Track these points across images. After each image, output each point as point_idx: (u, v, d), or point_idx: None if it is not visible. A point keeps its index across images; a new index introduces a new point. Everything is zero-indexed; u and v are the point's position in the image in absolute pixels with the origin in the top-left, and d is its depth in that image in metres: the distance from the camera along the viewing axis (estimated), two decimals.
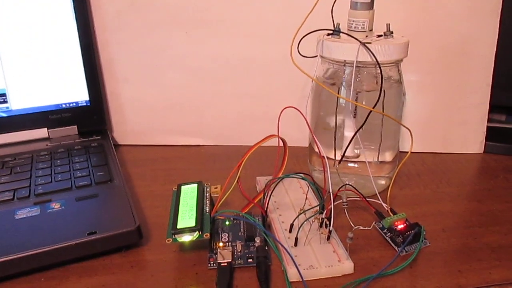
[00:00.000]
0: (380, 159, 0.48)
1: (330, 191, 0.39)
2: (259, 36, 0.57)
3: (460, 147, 0.59)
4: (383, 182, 0.49)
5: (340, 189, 0.42)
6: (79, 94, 0.58)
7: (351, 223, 0.39)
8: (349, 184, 0.43)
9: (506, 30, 0.55)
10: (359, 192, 0.43)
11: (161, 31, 0.57)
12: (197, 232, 0.36)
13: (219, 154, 0.60)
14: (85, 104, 0.58)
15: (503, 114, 0.66)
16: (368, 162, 0.46)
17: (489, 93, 0.57)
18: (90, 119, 0.58)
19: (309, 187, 0.45)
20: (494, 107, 0.59)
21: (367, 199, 0.44)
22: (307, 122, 0.43)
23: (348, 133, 0.46)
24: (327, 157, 0.46)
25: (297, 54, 0.44)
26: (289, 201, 0.45)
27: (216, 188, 0.43)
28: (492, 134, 0.59)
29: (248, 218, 0.39)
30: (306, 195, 0.43)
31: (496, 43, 0.55)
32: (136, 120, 0.62)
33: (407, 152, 0.46)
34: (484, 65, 0.56)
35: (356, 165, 0.49)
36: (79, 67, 0.57)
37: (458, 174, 0.54)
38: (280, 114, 0.42)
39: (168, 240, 0.36)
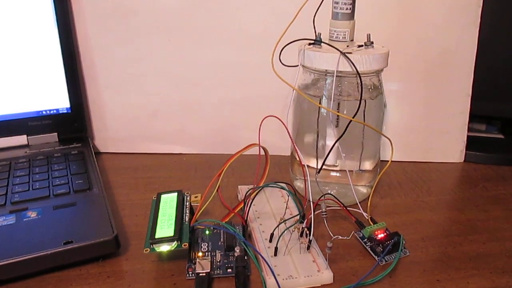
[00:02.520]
0: (361, 168, 0.49)
1: (311, 200, 0.39)
2: (243, 44, 0.57)
3: (441, 156, 0.60)
4: (364, 191, 0.49)
5: (321, 199, 0.42)
6: (59, 101, 0.57)
7: (330, 233, 0.39)
8: (330, 193, 0.43)
9: (485, 42, 0.56)
10: (340, 202, 0.43)
11: (144, 38, 0.57)
12: (175, 242, 0.36)
13: (201, 162, 0.59)
14: (65, 111, 0.58)
15: (483, 123, 0.67)
16: (349, 171, 0.46)
17: (469, 103, 0.58)
18: (70, 126, 0.58)
19: (289, 196, 0.45)
20: (474, 116, 0.60)
21: (348, 208, 0.44)
22: (288, 131, 0.43)
23: (330, 142, 0.46)
24: (309, 166, 0.46)
25: (279, 63, 0.44)
26: (270, 210, 0.45)
27: (196, 197, 0.42)
28: (472, 144, 0.60)
29: (228, 227, 0.39)
30: (287, 204, 0.43)
31: (475, 54, 0.56)
32: (117, 128, 0.61)
33: (388, 161, 0.46)
34: (463, 75, 0.57)
35: (338, 174, 0.49)
36: (60, 73, 0.56)
37: (438, 183, 0.54)
38: (261, 123, 0.42)
39: (146, 250, 0.36)
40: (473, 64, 0.57)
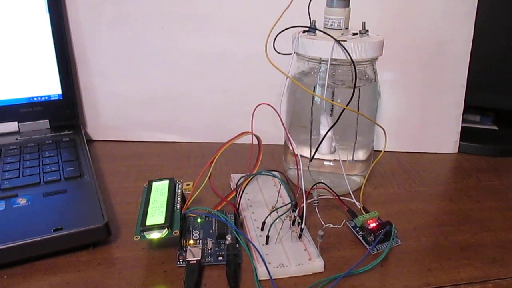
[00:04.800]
0: (354, 158, 0.48)
1: (303, 189, 0.39)
2: (237, 31, 0.56)
3: (435, 147, 0.60)
4: (357, 180, 0.49)
5: (313, 187, 0.41)
6: (51, 87, 0.56)
7: (322, 222, 0.39)
8: (322, 183, 0.43)
9: (481, 32, 0.55)
10: (332, 191, 0.43)
11: (137, 24, 0.56)
12: (166, 229, 0.35)
13: (194, 151, 0.59)
14: (57, 98, 0.57)
15: (477, 114, 0.67)
16: (342, 160, 0.46)
17: (464, 93, 0.58)
18: (62, 113, 0.57)
19: (281, 185, 0.45)
20: (468, 107, 0.60)
21: (341, 197, 0.44)
22: (281, 119, 0.43)
23: (324, 131, 0.46)
24: (303, 156, 0.46)
25: (274, 51, 0.44)
26: (263, 199, 0.45)
27: (188, 185, 0.42)
28: (466, 135, 0.60)
29: (219, 216, 0.38)
30: (279, 192, 0.43)
31: (470, 44, 0.56)
32: (110, 115, 0.60)
33: (381, 150, 0.46)
34: (458, 65, 0.56)
35: (331, 164, 0.49)
36: (51, 59, 0.55)
37: (431, 174, 0.54)
38: (254, 111, 0.42)
39: (136, 237, 0.35)
40: (469, 55, 0.56)
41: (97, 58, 0.58)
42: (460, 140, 0.60)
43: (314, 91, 0.45)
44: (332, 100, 0.44)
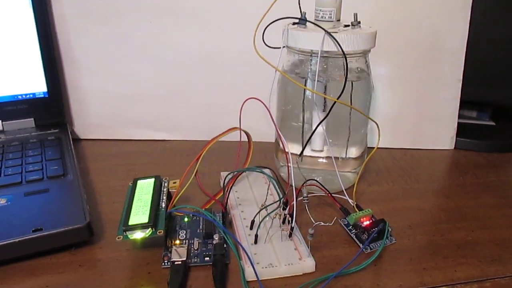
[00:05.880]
0: (348, 154, 0.47)
1: (293, 186, 0.37)
2: (228, 26, 0.55)
3: (431, 143, 0.58)
4: (351, 177, 0.48)
5: (304, 185, 0.40)
6: (36, 85, 0.55)
7: (312, 219, 0.37)
8: (314, 180, 0.42)
9: (477, 25, 0.54)
10: (324, 188, 0.42)
11: (125, 19, 0.55)
12: (150, 228, 0.34)
13: (185, 149, 0.57)
14: (42, 95, 0.55)
15: (474, 110, 0.66)
16: (335, 157, 0.45)
17: (460, 88, 0.56)
18: (48, 111, 0.56)
19: (270, 182, 0.44)
20: (465, 103, 0.59)
21: (334, 195, 0.43)
22: (270, 114, 0.41)
23: (323, 126, 0.44)
24: (294, 154, 0.45)
25: (264, 45, 0.42)
26: (253, 197, 0.43)
27: (174, 183, 0.40)
28: (462, 130, 0.59)
29: (206, 215, 0.37)
30: (268, 190, 0.41)
31: (466, 38, 0.54)
32: (98, 113, 0.59)
33: (375, 147, 0.45)
34: (455, 60, 0.55)
35: (324, 161, 0.47)
36: (36, 56, 0.54)
37: (427, 170, 0.53)
38: (242, 106, 0.41)
39: (118, 238, 0.34)
40: (465, 48, 0.55)
41: (84, 54, 0.56)
42: (456, 136, 0.59)
43: (305, 86, 0.43)
44: (325, 94, 0.43)
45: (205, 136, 0.58)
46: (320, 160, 0.47)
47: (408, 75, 0.56)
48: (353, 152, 0.47)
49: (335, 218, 0.39)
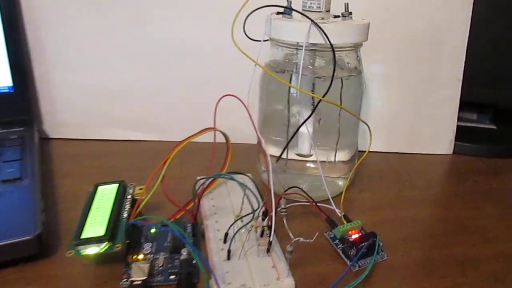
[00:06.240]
0: (337, 158, 0.43)
1: (272, 194, 0.33)
2: (211, 16, 0.50)
3: (428, 147, 0.54)
4: (340, 183, 0.44)
5: (286, 192, 0.36)
6: (0, 79, 0.50)
7: (291, 235, 0.33)
8: (297, 187, 0.37)
9: (478, 20, 0.50)
10: (309, 196, 0.37)
11: (100, 10, 0.50)
12: (106, 242, 0.30)
13: (163, 150, 0.51)
14: (7, 90, 0.51)
15: (474, 112, 0.62)
16: (322, 161, 0.41)
17: (460, 88, 0.52)
18: (13, 108, 0.51)
19: (245, 191, 0.39)
20: (464, 104, 0.54)
21: (320, 204, 0.38)
22: (249, 113, 0.37)
23: (304, 128, 0.40)
24: (282, 158, 0.40)
25: (245, 37, 0.38)
26: (230, 205, 0.39)
27: (141, 189, 0.36)
28: (462, 134, 0.55)
29: (173, 227, 0.32)
30: (243, 198, 0.36)
31: (468, 33, 0.50)
32: (69, 111, 0.54)
33: (368, 151, 0.40)
34: (454, 57, 0.51)
35: (312, 165, 0.43)
36: (0, 47, 0.49)
37: (424, 177, 0.49)
38: (217, 103, 0.37)
39: (69, 253, 0.29)
40: (466, 45, 0.51)
41: (54, 46, 0.52)
42: (455, 140, 0.54)
43: (290, 83, 0.39)
44: (313, 93, 0.39)
45: (185, 136, 0.54)
46: (308, 164, 0.43)
47: (404, 73, 0.52)
48: (343, 156, 0.43)
49: (317, 233, 0.34)
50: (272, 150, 0.43)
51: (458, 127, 0.54)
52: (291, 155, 0.42)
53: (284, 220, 0.33)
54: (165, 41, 0.52)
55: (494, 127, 0.61)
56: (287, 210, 0.33)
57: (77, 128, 0.55)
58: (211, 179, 0.37)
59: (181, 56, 0.52)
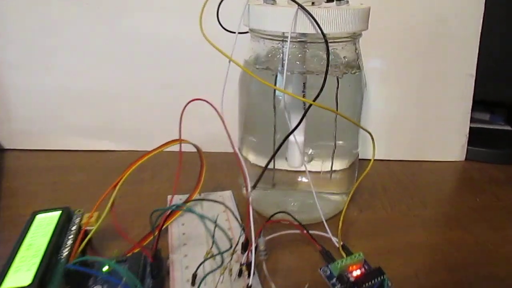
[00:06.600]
0: (334, 168, 0.36)
1: (252, 227, 0.26)
2: (183, 9, 0.43)
3: (436, 154, 0.48)
4: (338, 200, 0.37)
5: (271, 220, 0.29)
6: None
7: (273, 285, 0.26)
8: (284, 212, 0.30)
9: (491, 10, 0.43)
10: (299, 222, 0.31)
11: (55, 2, 0.43)
12: None
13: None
14: None
15: (486, 112, 0.55)
16: (316, 172, 0.34)
17: (473, 85, 0.46)
18: None
19: (217, 219, 0.32)
20: (476, 102, 0.48)
21: (313, 231, 0.31)
22: (222, 120, 0.30)
23: (296, 137, 0.33)
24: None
25: (220, 27, 0.32)
26: (204, 234, 0.32)
27: (93, 217, 0.29)
28: (473, 137, 0.48)
29: (121, 273, 0.25)
30: (214, 230, 0.29)
31: (481, 22, 0.44)
32: (26, 118, 0.47)
33: (369, 159, 0.34)
34: (466, 49, 0.45)
35: (304, 179, 0.36)
36: None
37: (434, 190, 0.42)
38: (183, 109, 0.30)
39: None
40: (479, 36, 0.44)
41: (5, 44, 0.45)
42: (468, 145, 0.48)
43: (275, 83, 0.32)
44: (303, 96, 0.32)
45: (156, 146, 0.47)
46: (299, 179, 0.36)
47: (409, 69, 0.45)
48: (340, 165, 0.36)
49: (307, 286, 0.27)
50: (257, 160, 0.36)
51: (470, 129, 0.47)
52: (283, 164, 0.35)
53: (264, 267, 0.26)
54: (131, 35, 0.45)
55: (509, 128, 0.54)
56: (267, 252, 0.26)
57: (33, 137, 0.48)
58: (169, 210, 0.30)
59: (153, 53, 0.46)
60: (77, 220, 0.29)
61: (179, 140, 0.29)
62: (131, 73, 0.46)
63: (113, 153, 0.48)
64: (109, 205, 0.27)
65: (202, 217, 0.25)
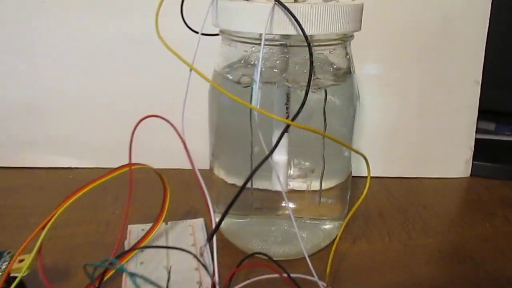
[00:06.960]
0: (322, 195, 0.31)
1: (216, 277, 0.20)
2: (143, 8, 0.38)
3: (438, 170, 0.43)
4: (328, 230, 0.32)
5: (242, 265, 0.23)
6: None
7: None
8: (260, 253, 0.25)
9: (497, 12, 0.39)
10: (279, 266, 0.25)
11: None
12: None
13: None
14: None
15: (491, 121, 0.51)
16: (301, 190, 0.29)
17: (478, 93, 0.41)
18: None
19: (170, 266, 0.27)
20: (480, 111, 0.43)
21: (296, 275, 0.26)
22: (182, 140, 0.25)
23: (277, 156, 0.28)
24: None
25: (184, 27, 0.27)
26: (165, 276, 0.26)
27: (22, 261, 0.24)
28: (479, 150, 0.43)
29: None
30: (169, 274, 0.24)
31: (488, 23, 0.39)
32: None
33: (363, 177, 0.28)
34: (471, 53, 0.41)
35: (291, 205, 0.31)
36: None
37: (437, 212, 0.37)
38: (134, 128, 0.24)
39: None
40: (485, 39, 0.40)
41: None
42: (473, 159, 0.43)
43: (251, 95, 0.27)
44: (287, 110, 0.27)
45: (124, 161, 0.41)
46: (283, 204, 0.31)
47: (408, 75, 0.41)
48: (330, 186, 0.31)
49: None
50: (233, 179, 0.31)
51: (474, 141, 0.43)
52: (263, 183, 0.30)
53: None
54: (95, 35, 0.40)
55: None
56: None
57: None
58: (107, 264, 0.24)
59: (121, 56, 0.41)
60: (4, 265, 0.23)
61: (129, 165, 0.24)
62: (92, 80, 0.42)
63: (73, 170, 0.43)
64: (36, 247, 0.21)
65: (146, 280, 0.19)
